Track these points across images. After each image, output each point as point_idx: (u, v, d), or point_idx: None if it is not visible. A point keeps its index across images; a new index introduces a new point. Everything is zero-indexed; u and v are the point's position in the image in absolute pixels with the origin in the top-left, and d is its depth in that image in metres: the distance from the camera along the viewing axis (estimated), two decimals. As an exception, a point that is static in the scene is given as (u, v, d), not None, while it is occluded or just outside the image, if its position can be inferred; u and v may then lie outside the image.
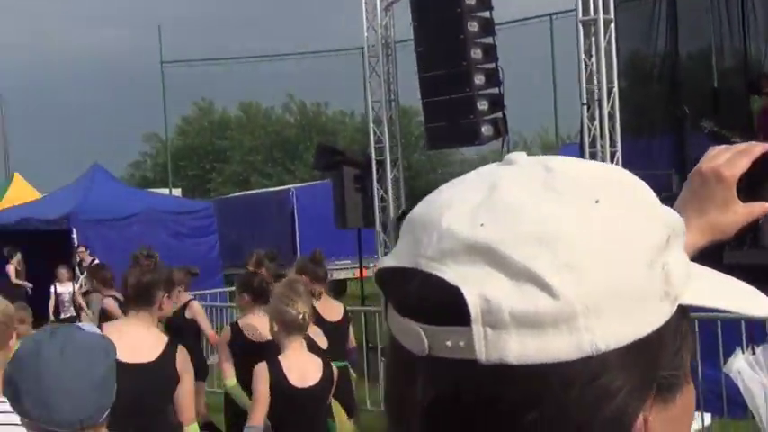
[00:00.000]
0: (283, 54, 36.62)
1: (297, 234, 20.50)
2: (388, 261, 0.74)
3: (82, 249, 14.47)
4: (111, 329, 4.12)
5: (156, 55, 31.17)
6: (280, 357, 4.64)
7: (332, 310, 6.97)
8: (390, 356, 0.75)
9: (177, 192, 30.07)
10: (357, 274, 19.07)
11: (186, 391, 4.39)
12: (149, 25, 50.35)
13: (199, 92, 54.19)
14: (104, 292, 8.98)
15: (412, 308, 0.70)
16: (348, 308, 7.69)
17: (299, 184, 24.22)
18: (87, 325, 2.55)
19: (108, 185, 17.46)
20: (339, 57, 31.69)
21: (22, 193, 19.43)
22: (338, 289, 16.86)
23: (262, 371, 4.55)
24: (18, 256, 16.16)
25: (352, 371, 7.06)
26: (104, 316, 8.00)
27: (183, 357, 4.42)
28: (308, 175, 40.99)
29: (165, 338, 4.55)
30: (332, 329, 6.35)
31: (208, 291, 13.34)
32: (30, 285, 15.98)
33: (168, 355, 4.36)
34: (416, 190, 15.33)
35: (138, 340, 4.31)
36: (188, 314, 7.91)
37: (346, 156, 12.17)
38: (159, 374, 4.24)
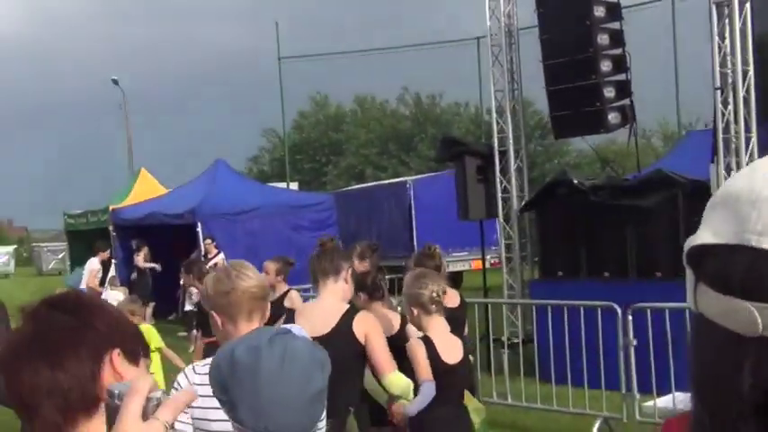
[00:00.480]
0: (398, 46, 36.53)
1: (414, 226, 20.43)
2: (705, 238, 0.70)
3: (209, 242, 14.79)
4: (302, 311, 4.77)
5: (273, 51, 31.59)
6: (429, 335, 4.75)
7: (450, 297, 6.97)
8: (702, 339, 0.71)
9: (294, 185, 30.47)
10: (473, 266, 18.95)
11: (376, 348, 4.45)
12: (267, 21, 51.13)
13: (315, 86, 55.12)
14: (199, 286, 9.16)
15: (741, 286, 0.66)
16: (469, 300, 7.65)
17: (415, 176, 24.12)
18: (296, 327, 2.51)
19: (231, 180, 17.80)
20: (454, 48, 31.43)
21: (148, 188, 20.01)
22: (455, 281, 16.70)
23: (418, 345, 4.68)
24: (145, 250, 16.68)
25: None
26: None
27: (362, 319, 4.52)
28: (423, 167, 40.99)
29: (344, 307, 4.64)
30: (450, 316, 6.36)
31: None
32: (158, 268, 16.49)
33: (346, 321, 4.48)
34: (533, 181, 15.00)
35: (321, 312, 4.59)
36: (287, 303, 7.92)
37: (469, 146, 11.99)
38: (338, 343, 4.21)
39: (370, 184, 28.83)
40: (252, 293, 3.07)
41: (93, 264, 15.52)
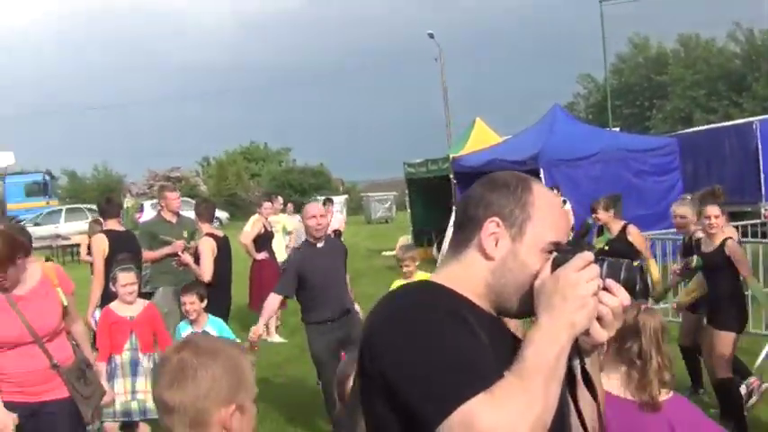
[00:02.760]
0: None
1: (761, 169, 19.06)
2: None
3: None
4: None
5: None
6: None
7: None
8: None
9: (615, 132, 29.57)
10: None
11: None
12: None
13: (634, 28, 52.98)
14: None
15: None
16: None
17: (762, 117, 22.40)
18: None
19: (569, 125, 17.62)
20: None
21: (483, 137, 20.37)
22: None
23: None
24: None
25: None
26: None
27: None
28: (758, 108, 38.07)
29: None
30: None
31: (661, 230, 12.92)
32: None
33: None
34: None
35: None
36: (630, 238, 8.38)
37: None
38: None
39: (712, 126, 27.17)
40: None
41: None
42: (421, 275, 8.00)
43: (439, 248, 17.48)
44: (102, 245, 8.22)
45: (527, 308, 1.75)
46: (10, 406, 4.70)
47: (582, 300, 1.61)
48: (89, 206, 39.50)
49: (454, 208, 17.87)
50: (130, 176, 58.08)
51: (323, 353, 6.99)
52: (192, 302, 6.71)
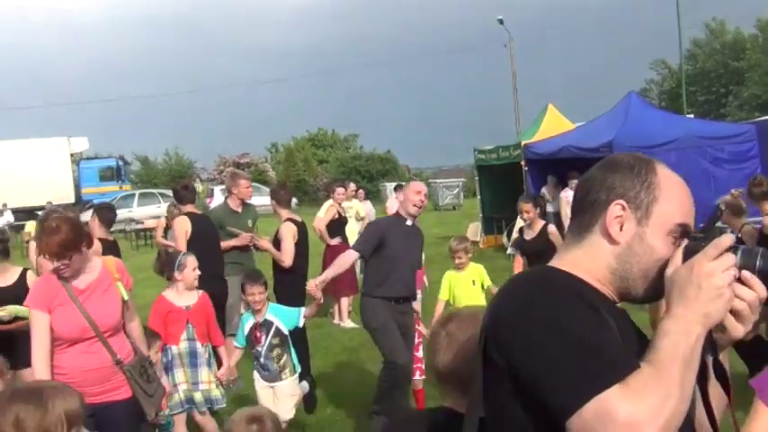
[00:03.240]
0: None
1: None
2: None
3: None
4: None
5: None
6: None
7: None
8: None
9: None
10: None
11: None
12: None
13: (711, 13, 51.74)
14: None
15: None
16: None
17: None
18: None
19: (645, 112, 17.29)
20: None
21: (555, 123, 20.09)
22: None
23: None
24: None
25: None
26: None
27: None
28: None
29: None
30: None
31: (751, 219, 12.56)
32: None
33: None
34: None
35: None
36: None
37: None
38: None
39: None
40: None
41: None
42: (473, 267, 7.95)
43: (509, 236, 17.34)
44: (185, 226, 8.34)
45: (653, 293, 1.72)
46: None
47: (717, 290, 1.56)
48: (161, 191, 40.27)
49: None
50: (200, 162, 59.00)
51: (389, 323, 6.81)
52: (261, 292, 6.55)
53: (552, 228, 8.42)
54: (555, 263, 1.82)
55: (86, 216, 9.07)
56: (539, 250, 8.12)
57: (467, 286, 7.80)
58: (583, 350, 1.50)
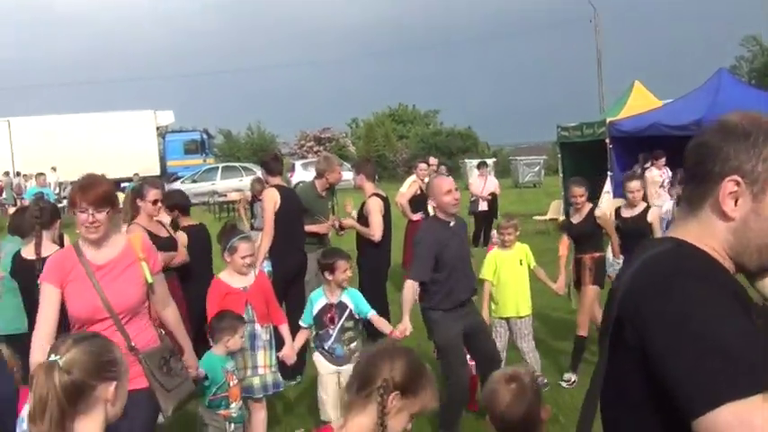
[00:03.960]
0: None
1: None
2: None
3: None
4: None
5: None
6: None
7: None
8: None
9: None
10: None
11: None
12: None
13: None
14: None
15: None
16: None
17: None
18: None
19: (736, 89, 16.79)
20: None
21: (642, 101, 19.64)
22: None
23: None
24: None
25: None
26: None
27: None
28: None
29: None
30: None
31: None
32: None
33: None
34: None
35: None
36: None
37: None
38: None
39: None
40: None
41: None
42: (520, 247, 7.79)
43: (592, 214, 17.06)
44: (274, 198, 8.35)
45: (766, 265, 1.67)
46: None
47: None
48: (243, 164, 40.83)
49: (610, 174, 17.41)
50: (282, 137, 59.60)
51: (455, 342, 6.49)
52: (350, 269, 6.27)
53: (599, 211, 8.23)
54: (674, 232, 1.77)
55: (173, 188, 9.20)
56: (586, 233, 8.02)
57: (513, 266, 7.62)
58: (726, 347, 1.43)
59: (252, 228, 13.53)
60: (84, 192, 4.13)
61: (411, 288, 6.48)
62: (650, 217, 8.17)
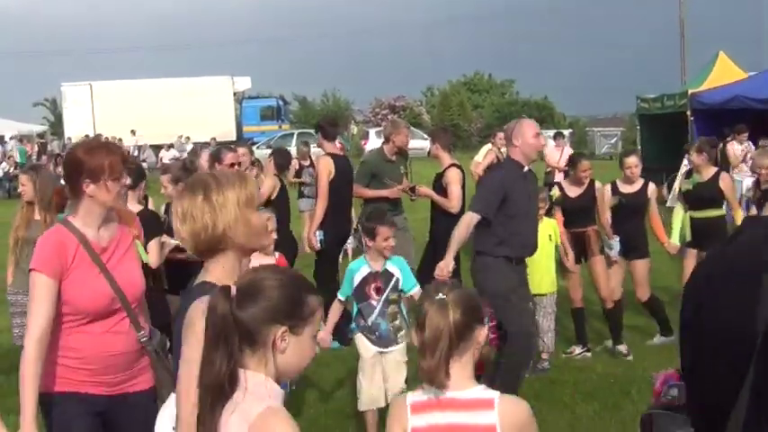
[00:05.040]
0: None
1: None
2: None
3: None
4: None
5: None
6: None
7: None
8: None
9: None
10: None
11: None
12: None
13: None
14: None
15: None
16: None
17: None
18: None
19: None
20: None
21: (726, 72, 19.12)
22: None
23: None
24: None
25: None
26: None
27: None
28: None
29: None
30: None
31: None
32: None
33: None
34: None
35: None
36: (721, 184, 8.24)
37: None
38: None
39: None
40: None
41: None
42: (548, 221, 7.53)
43: (669, 189, 16.76)
44: (329, 166, 8.38)
45: None
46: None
47: None
48: (318, 131, 41.07)
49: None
50: (357, 104, 59.71)
51: (512, 290, 5.98)
52: (392, 236, 5.56)
53: (598, 184, 8.04)
54: None
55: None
56: (585, 207, 7.94)
57: (543, 240, 7.10)
58: None
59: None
60: (116, 156, 3.45)
61: (468, 222, 5.98)
62: (650, 192, 8.04)
